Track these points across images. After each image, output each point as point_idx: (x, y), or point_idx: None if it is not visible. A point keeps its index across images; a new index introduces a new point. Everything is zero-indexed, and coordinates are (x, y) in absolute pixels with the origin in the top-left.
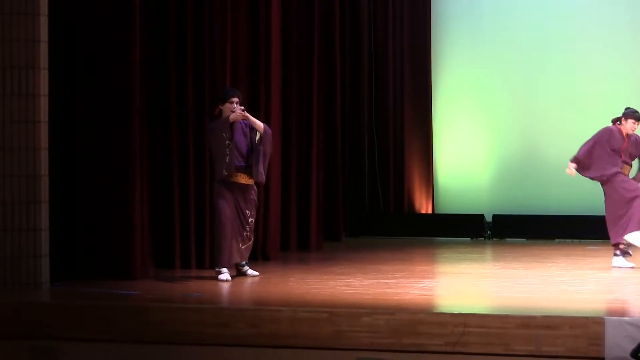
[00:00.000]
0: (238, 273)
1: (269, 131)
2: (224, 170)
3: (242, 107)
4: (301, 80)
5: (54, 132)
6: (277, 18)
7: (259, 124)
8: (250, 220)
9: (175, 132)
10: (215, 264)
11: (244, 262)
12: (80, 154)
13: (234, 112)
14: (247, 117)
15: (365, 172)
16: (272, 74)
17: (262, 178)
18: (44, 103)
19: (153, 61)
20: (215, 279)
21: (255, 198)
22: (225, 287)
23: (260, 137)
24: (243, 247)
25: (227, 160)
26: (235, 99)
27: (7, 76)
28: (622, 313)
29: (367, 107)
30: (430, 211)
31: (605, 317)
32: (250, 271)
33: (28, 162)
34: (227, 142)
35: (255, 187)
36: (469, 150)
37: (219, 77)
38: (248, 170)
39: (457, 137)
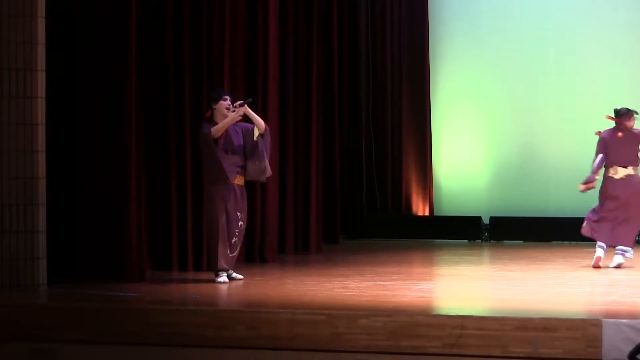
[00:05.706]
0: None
1: (268, 128)
2: (227, 175)
3: (241, 102)
4: (299, 82)
5: (52, 135)
6: (274, 21)
7: (260, 121)
8: (240, 223)
9: (172, 134)
10: (213, 268)
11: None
12: (78, 156)
13: (229, 110)
14: (247, 112)
15: (363, 173)
16: (270, 76)
17: (270, 172)
18: (41, 105)
19: (151, 63)
20: (213, 281)
21: (246, 201)
22: (223, 289)
23: (260, 135)
24: (230, 255)
25: (223, 165)
26: (227, 97)
27: (4, 78)
28: (619, 315)
29: (365, 109)
30: (427, 213)
31: (603, 319)
32: (234, 275)
33: (26, 165)
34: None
35: (245, 191)
36: (466, 152)
37: (217, 80)
38: (242, 171)
39: (455, 139)
